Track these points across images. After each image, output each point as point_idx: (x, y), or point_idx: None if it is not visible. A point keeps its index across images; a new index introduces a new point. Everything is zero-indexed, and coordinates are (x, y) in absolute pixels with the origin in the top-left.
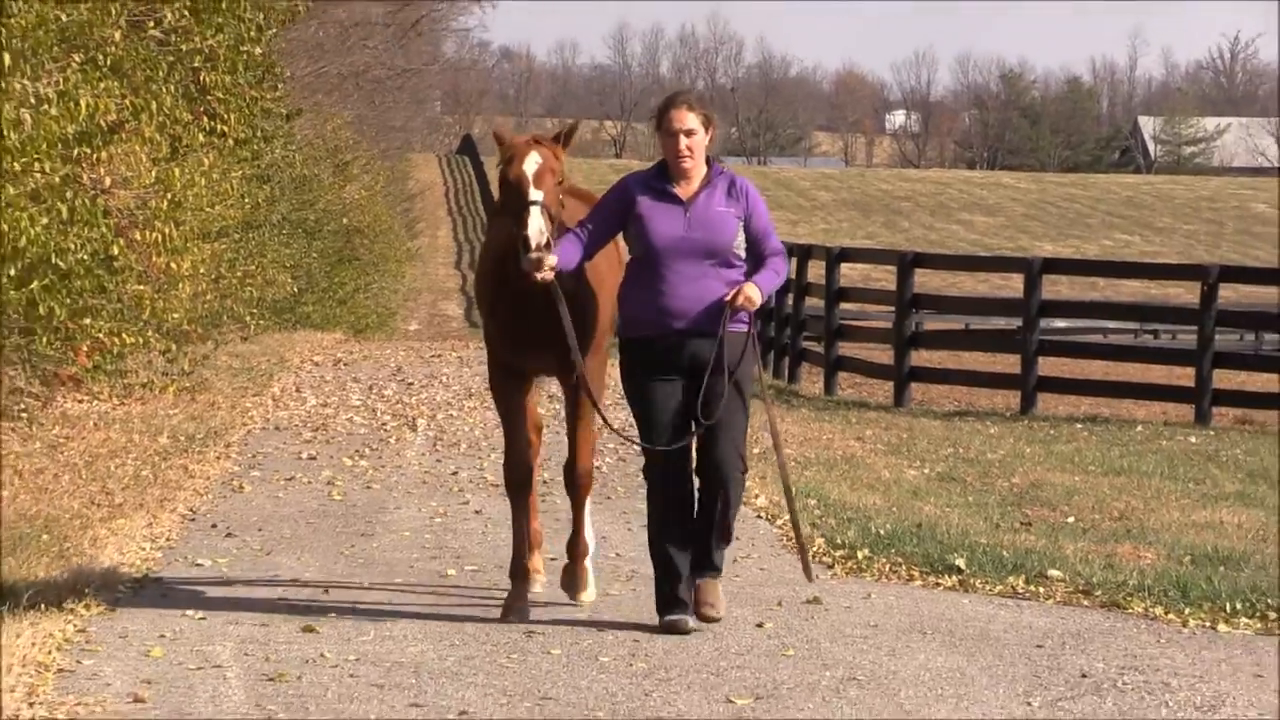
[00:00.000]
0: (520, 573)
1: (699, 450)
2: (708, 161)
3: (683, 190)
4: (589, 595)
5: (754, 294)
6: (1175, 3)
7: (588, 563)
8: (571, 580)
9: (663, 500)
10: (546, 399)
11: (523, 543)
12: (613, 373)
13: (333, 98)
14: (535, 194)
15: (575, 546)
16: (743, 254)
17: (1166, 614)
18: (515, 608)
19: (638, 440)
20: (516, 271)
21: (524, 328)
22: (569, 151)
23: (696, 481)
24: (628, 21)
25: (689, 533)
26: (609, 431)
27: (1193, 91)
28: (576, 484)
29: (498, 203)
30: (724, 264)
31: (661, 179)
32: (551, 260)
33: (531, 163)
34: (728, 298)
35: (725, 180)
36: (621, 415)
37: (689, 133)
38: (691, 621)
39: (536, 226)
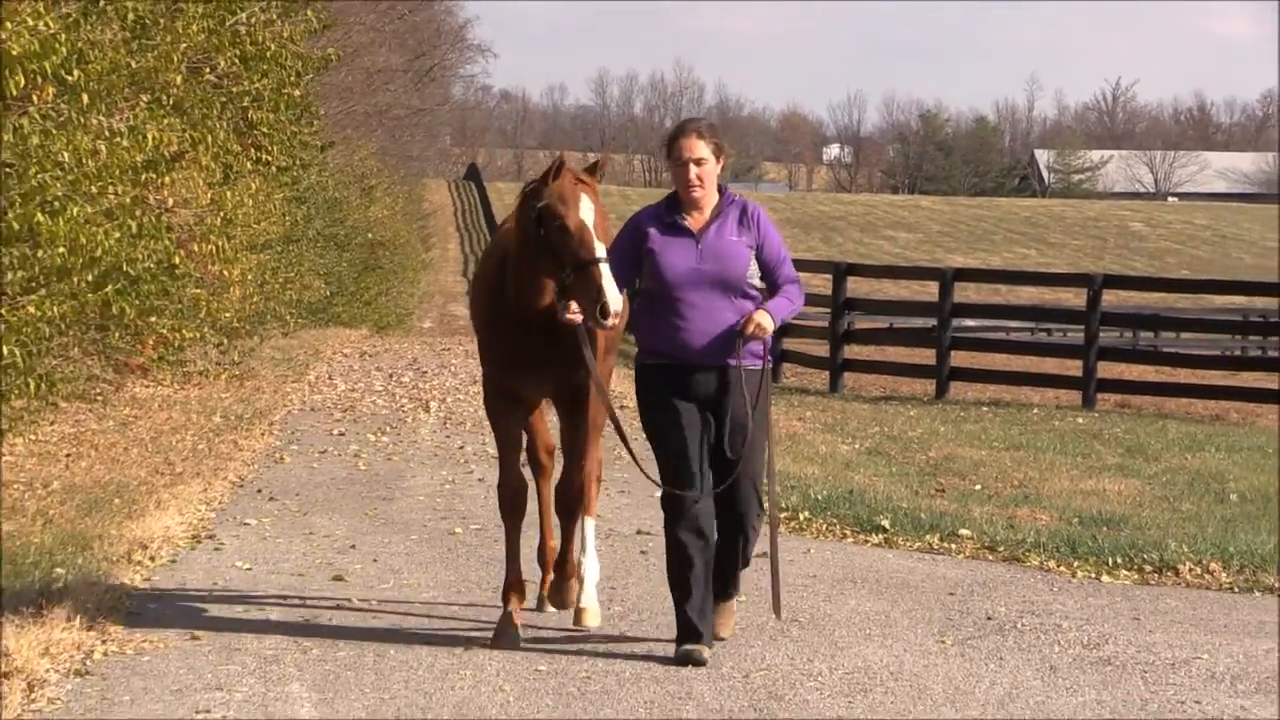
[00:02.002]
0: (511, 597)
1: (721, 496)
2: (720, 190)
3: (694, 221)
4: (592, 620)
5: (765, 322)
6: (1067, 53)
7: (575, 582)
8: (559, 596)
9: (679, 537)
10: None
11: (516, 564)
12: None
13: (359, 132)
14: (601, 250)
15: (563, 565)
16: (758, 283)
17: (1058, 567)
18: (507, 632)
19: (656, 480)
20: (515, 296)
21: (521, 352)
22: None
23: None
24: (607, 68)
25: (707, 564)
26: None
27: (1080, 128)
28: (569, 507)
29: (527, 237)
30: (739, 294)
31: (672, 211)
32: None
33: (588, 210)
34: (739, 327)
35: (737, 209)
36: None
37: (699, 161)
38: (707, 652)
39: (615, 293)
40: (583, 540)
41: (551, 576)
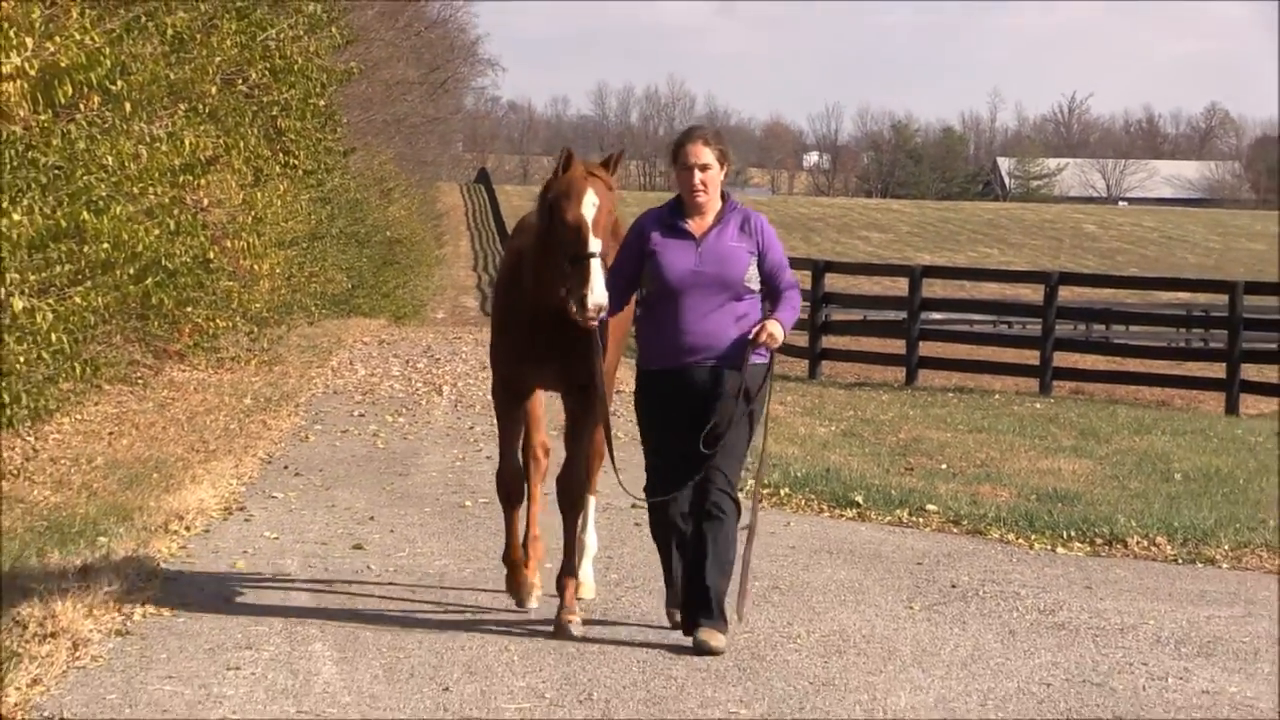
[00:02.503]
0: (511, 564)
1: (695, 485)
2: (723, 196)
3: (695, 226)
4: (587, 592)
5: (777, 331)
6: (1027, 69)
7: (582, 579)
8: (560, 625)
9: (661, 535)
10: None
11: (514, 538)
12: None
13: (379, 139)
14: (595, 244)
15: (567, 570)
16: (754, 286)
17: (1017, 539)
18: (521, 590)
19: (635, 494)
20: (533, 287)
21: (534, 343)
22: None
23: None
24: (606, 81)
25: (688, 554)
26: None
27: (1039, 138)
28: (570, 496)
29: (542, 229)
30: (735, 297)
31: (675, 214)
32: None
33: (590, 205)
34: (751, 335)
35: (739, 216)
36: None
37: (704, 167)
38: (721, 639)
39: (600, 288)
40: (584, 521)
41: (528, 570)
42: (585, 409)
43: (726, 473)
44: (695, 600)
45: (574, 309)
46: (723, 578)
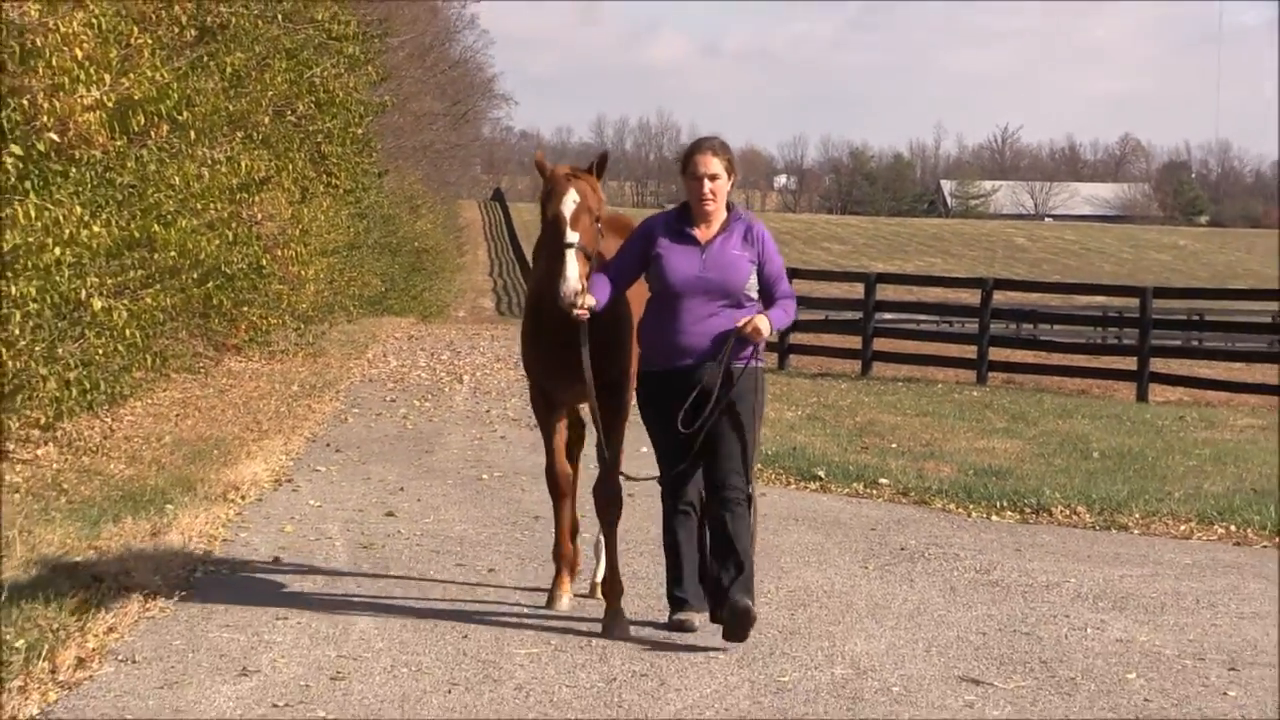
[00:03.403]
0: (562, 558)
1: (704, 473)
2: (728, 206)
3: (701, 233)
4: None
5: (763, 325)
6: (967, 103)
7: (623, 605)
8: (614, 624)
9: (671, 522)
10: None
11: (563, 531)
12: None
13: (408, 162)
14: (571, 236)
15: (612, 584)
16: (754, 295)
17: (957, 509)
18: (559, 596)
19: (637, 476)
20: (552, 306)
21: (557, 361)
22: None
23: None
24: (604, 113)
25: (695, 543)
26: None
27: (976, 163)
28: (607, 500)
29: (539, 240)
30: (735, 304)
31: (683, 220)
32: (590, 301)
33: (570, 202)
34: (738, 323)
35: (743, 225)
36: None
37: (713, 177)
38: (698, 620)
39: (574, 274)
40: (612, 540)
41: (565, 577)
42: (612, 410)
43: (738, 472)
44: (734, 596)
45: (556, 297)
46: (751, 568)
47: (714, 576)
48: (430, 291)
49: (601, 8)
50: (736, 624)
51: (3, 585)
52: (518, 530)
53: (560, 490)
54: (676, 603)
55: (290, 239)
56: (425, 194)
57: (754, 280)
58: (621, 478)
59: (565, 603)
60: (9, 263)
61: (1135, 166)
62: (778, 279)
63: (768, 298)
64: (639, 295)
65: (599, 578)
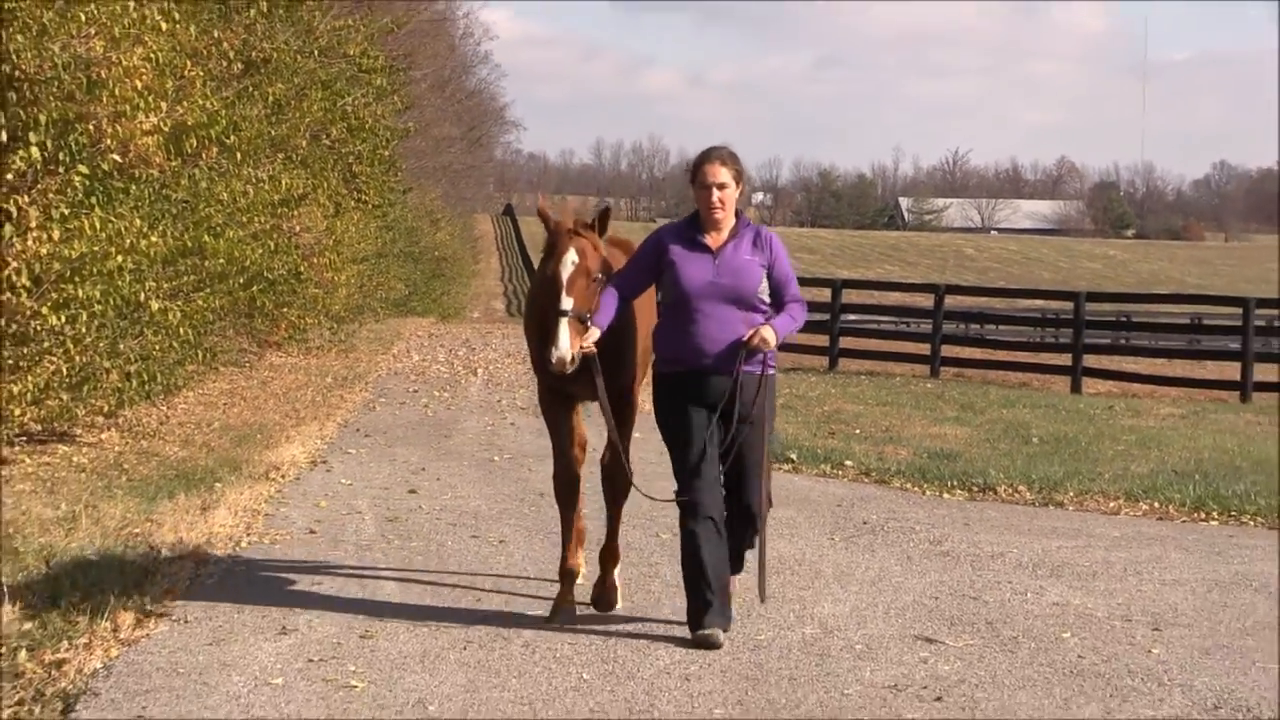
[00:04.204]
0: (567, 574)
1: (728, 490)
2: (737, 214)
3: (712, 240)
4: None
5: (769, 335)
6: (922, 129)
7: (617, 574)
8: (602, 595)
9: (692, 529)
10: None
11: (570, 544)
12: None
13: (429, 180)
14: (566, 303)
15: (608, 547)
16: (767, 299)
17: (913, 487)
18: (562, 609)
19: (656, 497)
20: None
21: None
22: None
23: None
24: (602, 137)
25: (716, 553)
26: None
27: (930, 183)
28: (614, 484)
29: (538, 283)
30: (749, 308)
31: (693, 229)
32: (593, 337)
33: (568, 264)
34: (745, 337)
35: (751, 232)
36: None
37: (721, 186)
38: (722, 635)
39: (565, 343)
40: (617, 515)
41: (581, 552)
42: (621, 417)
43: (754, 496)
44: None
45: (548, 365)
46: (750, 550)
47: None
48: (448, 295)
49: (603, 45)
50: (701, 646)
51: (2, 585)
52: (525, 506)
53: (567, 496)
54: (698, 615)
55: (325, 248)
56: (444, 209)
57: (765, 285)
58: (638, 491)
59: (568, 606)
60: (77, 268)
61: (1070, 186)
62: (786, 283)
63: (777, 302)
64: (646, 301)
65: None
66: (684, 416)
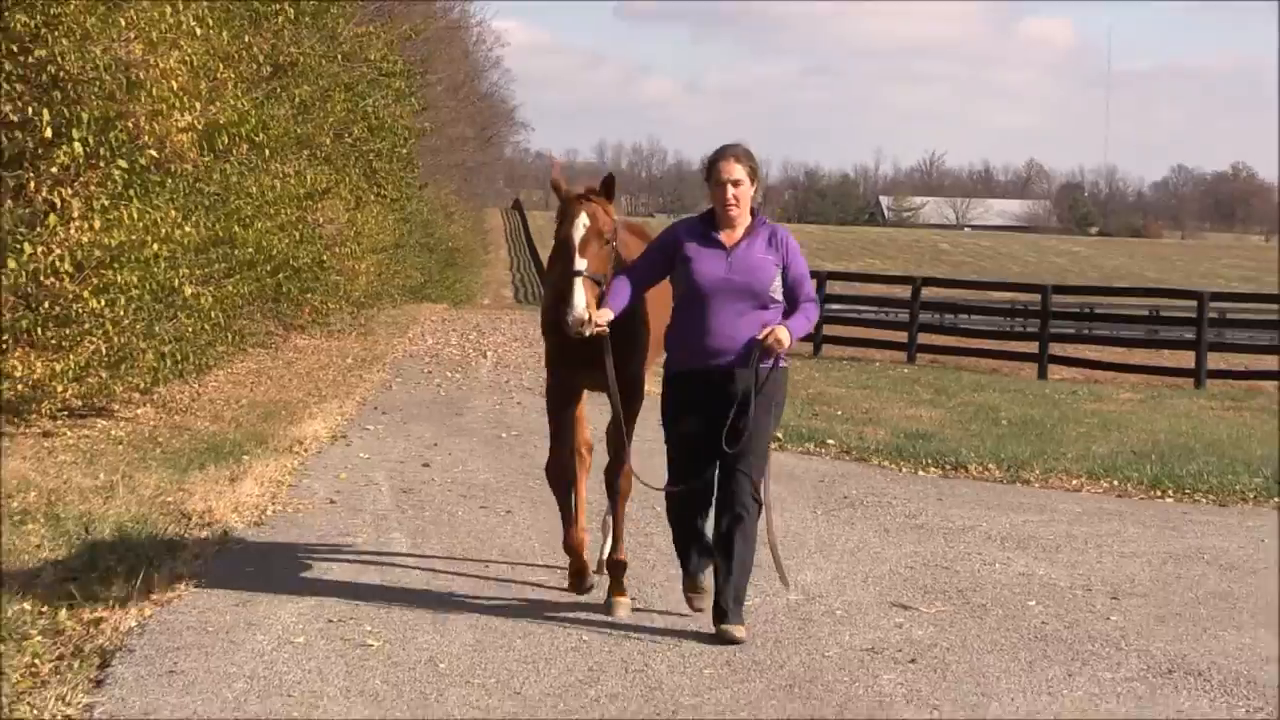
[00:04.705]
0: (571, 549)
1: (719, 482)
2: (752, 212)
3: (727, 237)
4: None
5: (783, 335)
6: (902, 133)
7: (624, 587)
8: (610, 604)
9: (679, 517)
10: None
11: (571, 525)
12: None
13: (444, 177)
14: (580, 263)
15: (614, 555)
16: (780, 297)
17: (891, 465)
18: (579, 584)
19: (656, 485)
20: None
21: (578, 351)
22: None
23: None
24: (604, 138)
25: (705, 544)
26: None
27: (909, 182)
28: (617, 488)
29: (553, 250)
30: (761, 306)
31: (708, 225)
32: (607, 316)
33: (580, 226)
34: (759, 336)
35: (767, 230)
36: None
37: (736, 183)
38: (742, 632)
39: (580, 301)
40: (619, 522)
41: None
42: (626, 409)
43: (752, 476)
44: (723, 601)
45: (561, 321)
46: (744, 577)
47: (723, 586)
48: (460, 283)
49: (606, 54)
50: (725, 643)
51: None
52: (531, 479)
53: (561, 484)
54: (721, 614)
55: (346, 239)
56: (457, 203)
57: (779, 283)
58: (637, 479)
59: (587, 571)
60: (116, 256)
61: (1038, 186)
62: (801, 282)
63: (791, 301)
64: (659, 294)
65: (604, 555)
66: (689, 413)
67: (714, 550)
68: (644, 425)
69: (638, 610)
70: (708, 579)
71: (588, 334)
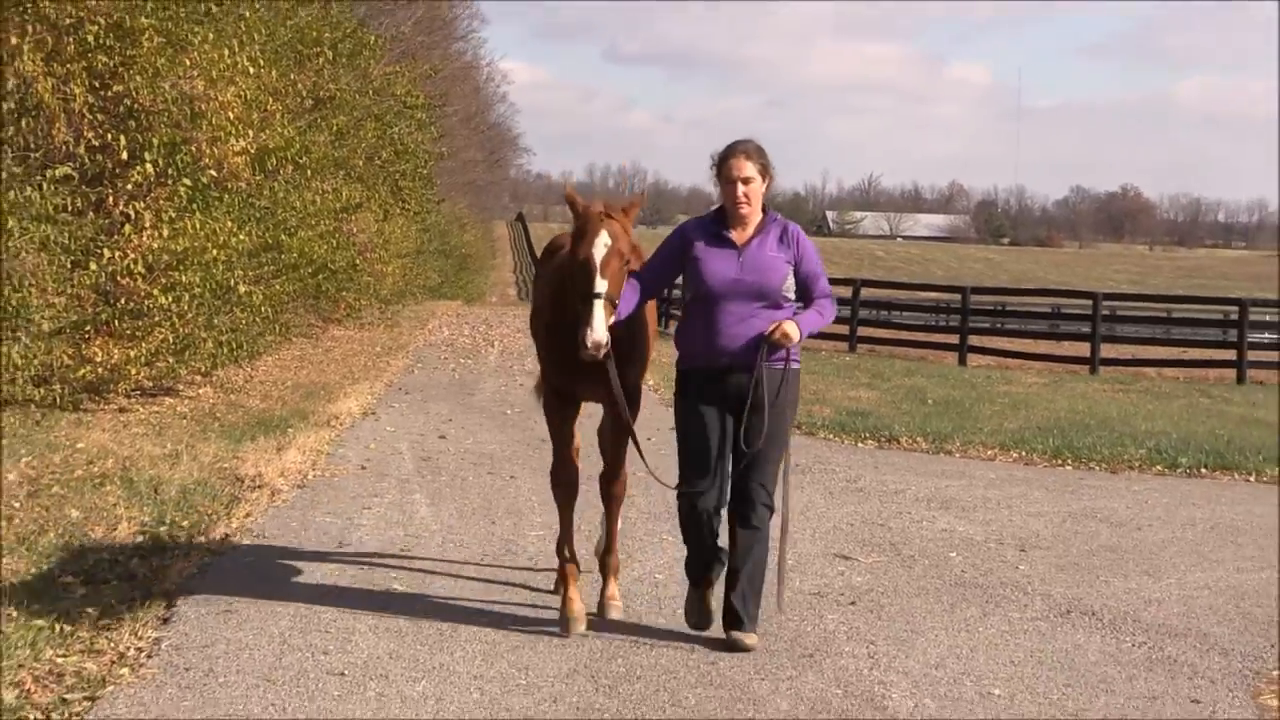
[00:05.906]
0: (568, 580)
1: (733, 486)
2: (764, 209)
3: (738, 235)
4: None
5: (792, 331)
6: (846, 156)
7: (617, 590)
8: (604, 606)
9: (690, 524)
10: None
11: (568, 549)
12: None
13: (458, 194)
14: (600, 285)
15: (608, 558)
16: (792, 295)
17: (834, 438)
18: (567, 620)
19: (670, 484)
20: (569, 314)
21: (574, 363)
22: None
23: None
24: (594, 161)
25: (716, 548)
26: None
27: (850, 199)
28: (613, 495)
29: (556, 262)
30: (773, 305)
31: (718, 224)
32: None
33: (600, 246)
34: (767, 332)
35: (778, 227)
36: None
37: (746, 180)
38: (751, 640)
39: (600, 325)
40: (613, 527)
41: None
42: (622, 419)
43: (765, 484)
44: (734, 609)
45: (579, 343)
46: (758, 583)
47: (732, 594)
48: (472, 284)
49: (597, 90)
50: (735, 650)
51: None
52: (530, 449)
53: (566, 494)
54: (733, 619)
55: (375, 246)
56: (469, 216)
57: (791, 281)
58: (652, 475)
59: (580, 613)
60: (181, 259)
61: (959, 203)
62: (815, 278)
63: (805, 298)
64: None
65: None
66: (701, 414)
67: (727, 555)
68: (644, 426)
69: (624, 559)
70: (716, 596)
71: (601, 356)
